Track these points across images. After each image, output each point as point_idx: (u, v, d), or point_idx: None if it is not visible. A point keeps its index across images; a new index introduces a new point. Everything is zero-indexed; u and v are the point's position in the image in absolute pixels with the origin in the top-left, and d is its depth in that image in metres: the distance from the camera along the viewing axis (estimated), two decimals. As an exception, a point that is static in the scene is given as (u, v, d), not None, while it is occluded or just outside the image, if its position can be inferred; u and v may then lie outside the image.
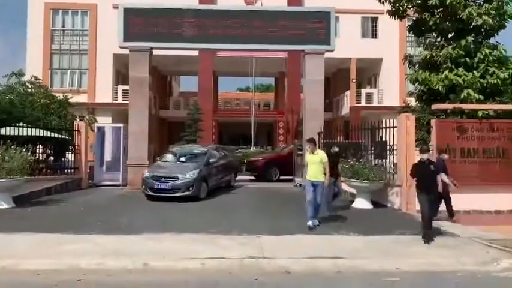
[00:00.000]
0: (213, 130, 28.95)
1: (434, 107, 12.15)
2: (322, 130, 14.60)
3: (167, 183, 11.81)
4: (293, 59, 25.68)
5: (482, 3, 13.30)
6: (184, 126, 26.20)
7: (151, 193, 11.90)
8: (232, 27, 14.81)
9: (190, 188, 11.80)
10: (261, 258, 6.47)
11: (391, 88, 27.87)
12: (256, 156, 21.58)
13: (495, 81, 12.77)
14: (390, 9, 14.19)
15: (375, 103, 28.78)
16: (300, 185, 15.15)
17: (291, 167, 17.30)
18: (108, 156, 16.03)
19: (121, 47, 15.07)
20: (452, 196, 10.74)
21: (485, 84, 12.71)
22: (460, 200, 10.83)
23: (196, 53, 25.16)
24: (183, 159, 13.24)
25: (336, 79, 32.84)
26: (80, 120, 15.16)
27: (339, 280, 5.81)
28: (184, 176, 11.90)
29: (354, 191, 11.57)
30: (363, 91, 29.77)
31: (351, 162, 11.23)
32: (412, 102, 17.61)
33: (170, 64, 30.65)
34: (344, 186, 12.17)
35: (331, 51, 15.21)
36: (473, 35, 13.27)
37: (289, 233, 8.03)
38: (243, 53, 21.83)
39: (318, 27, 14.83)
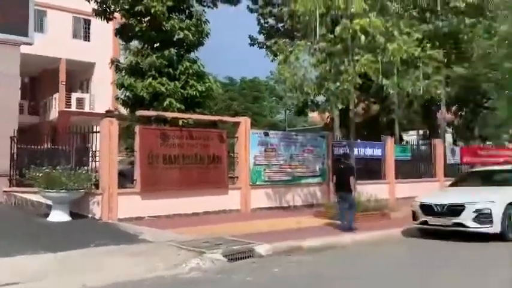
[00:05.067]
0: None
1: (138, 113, 12.16)
2: (16, 134, 12.58)
3: None
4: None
5: (184, 18, 14.20)
6: None
7: None
8: None
9: None
10: None
11: (104, 94, 26.97)
12: None
13: (194, 93, 13.78)
14: (96, 8, 13.57)
15: (86, 108, 27.37)
16: None
17: None
18: None
19: None
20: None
21: (186, 95, 13.55)
22: (164, 205, 11.09)
23: None
24: None
25: (44, 80, 29.67)
26: None
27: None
28: None
29: (50, 202, 10.30)
30: (74, 95, 27.88)
31: (47, 170, 9.97)
32: (123, 109, 17.39)
33: None
34: (39, 198, 10.77)
35: (30, 44, 13.40)
36: (176, 47, 14.01)
37: None
38: None
39: (12, 13, 12.79)
